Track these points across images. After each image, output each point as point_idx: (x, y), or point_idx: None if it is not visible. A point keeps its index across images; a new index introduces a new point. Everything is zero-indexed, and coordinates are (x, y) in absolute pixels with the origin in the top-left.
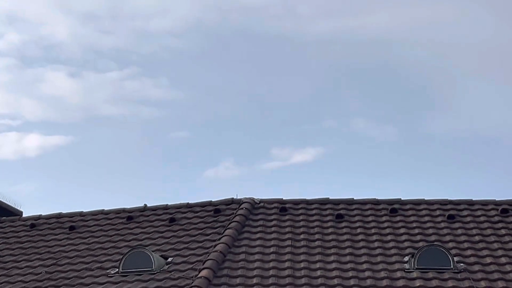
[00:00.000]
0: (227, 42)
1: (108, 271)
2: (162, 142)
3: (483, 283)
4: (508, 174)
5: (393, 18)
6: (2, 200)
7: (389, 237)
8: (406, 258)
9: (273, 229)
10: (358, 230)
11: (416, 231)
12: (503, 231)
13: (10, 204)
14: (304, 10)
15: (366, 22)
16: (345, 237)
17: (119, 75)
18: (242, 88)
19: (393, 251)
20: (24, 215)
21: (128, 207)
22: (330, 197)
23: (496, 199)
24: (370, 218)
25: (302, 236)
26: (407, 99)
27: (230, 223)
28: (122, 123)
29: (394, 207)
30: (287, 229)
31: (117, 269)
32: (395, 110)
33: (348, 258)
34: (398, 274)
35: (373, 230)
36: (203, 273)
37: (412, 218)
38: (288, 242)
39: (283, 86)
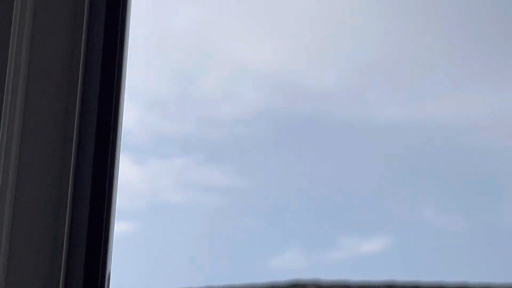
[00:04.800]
0: (293, 129)
1: None
2: (226, 229)
3: None
4: None
5: (463, 103)
6: None
7: None
8: None
9: None
10: None
11: None
12: None
13: None
14: (373, 96)
15: (436, 108)
16: None
17: (184, 162)
18: (308, 176)
19: None
20: None
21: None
22: (396, 279)
23: None
24: None
25: None
26: (478, 187)
27: None
28: (186, 210)
29: None
30: None
31: None
32: (466, 198)
33: None
34: None
35: None
36: None
37: None
38: None
39: (350, 173)
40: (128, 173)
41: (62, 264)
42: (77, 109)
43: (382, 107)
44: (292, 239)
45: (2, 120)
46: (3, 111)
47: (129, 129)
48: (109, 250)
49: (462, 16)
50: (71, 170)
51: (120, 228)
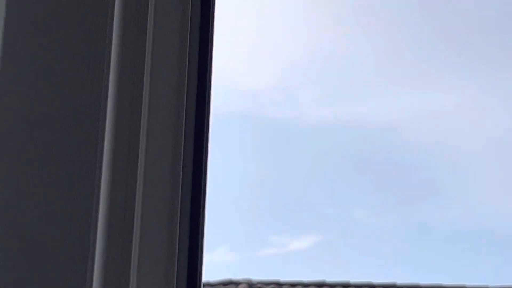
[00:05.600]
0: (226, 127)
1: None
2: None
3: None
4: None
5: (395, 105)
6: None
7: None
8: None
9: None
10: None
11: None
12: None
13: None
14: (305, 96)
15: (368, 109)
16: None
17: None
18: (239, 173)
19: None
20: None
21: None
22: (326, 279)
23: None
24: None
25: None
26: (409, 188)
27: None
28: None
29: None
30: None
31: None
32: (396, 198)
33: None
34: None
35: None
36: None
37: None
38: None
39: (281, 172)
40: None
41: (176, 263)
42: (184, 118)
43: (313, 107)
44: (223, 237)
45: (141, 134)
46: (141, 119)
47: None
48: (203, 250)
49: (387, 22)
50: (181, 174)
51: None
